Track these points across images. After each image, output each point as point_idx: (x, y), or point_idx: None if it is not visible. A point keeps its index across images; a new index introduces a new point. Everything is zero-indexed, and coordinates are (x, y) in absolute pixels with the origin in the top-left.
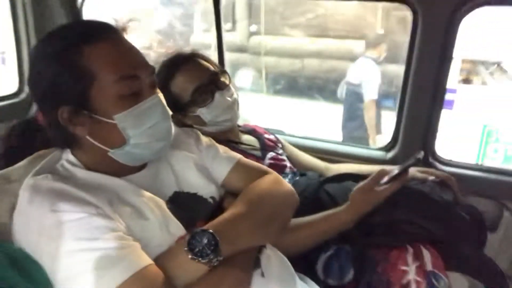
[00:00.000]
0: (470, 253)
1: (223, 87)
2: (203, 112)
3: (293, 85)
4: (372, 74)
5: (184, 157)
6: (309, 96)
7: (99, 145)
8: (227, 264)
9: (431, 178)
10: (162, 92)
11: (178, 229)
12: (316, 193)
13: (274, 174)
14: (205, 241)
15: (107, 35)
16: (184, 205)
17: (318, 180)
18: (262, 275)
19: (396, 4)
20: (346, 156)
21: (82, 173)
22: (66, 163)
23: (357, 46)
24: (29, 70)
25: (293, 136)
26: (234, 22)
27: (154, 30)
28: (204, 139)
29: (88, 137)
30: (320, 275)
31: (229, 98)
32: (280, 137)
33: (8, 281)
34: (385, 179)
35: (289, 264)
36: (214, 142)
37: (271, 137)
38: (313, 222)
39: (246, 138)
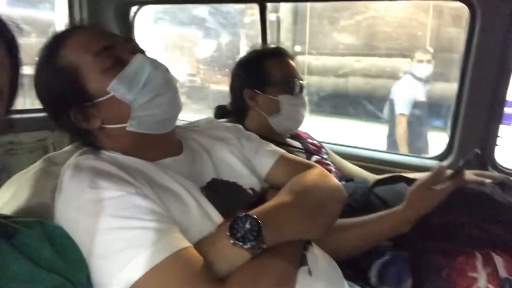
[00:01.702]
0: None
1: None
2: (282, 99)
3: (337, 104)
4: (407, 88)
5: (225, 147)
6: (354, 115)
7: (115, 126)
8: (271, 253)
9: (488, 181)
10: (253, 65)
11: (217, 216)
12: (366, 196)
13: (320, 168)
14: (248, 226)
15: (74, 31)
16: (222, 192)
17: (367, 184)
18: (309, 273)
19: (447, 22)
20: (395, 165)
21: (121, 158)
22: (107, 151)
23: (405, 64)
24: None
25: (338, 144)
26: (279, 44)
27: (200, 58)
28: (247, 133)
29: (103, 126)
30: (374, 283)
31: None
32: (324, 145)
33: (45, 260)
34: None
35: (337, 266)
36: (257, 136)
37: (314, 142)
38: (365, 222)
39: (290, 141)
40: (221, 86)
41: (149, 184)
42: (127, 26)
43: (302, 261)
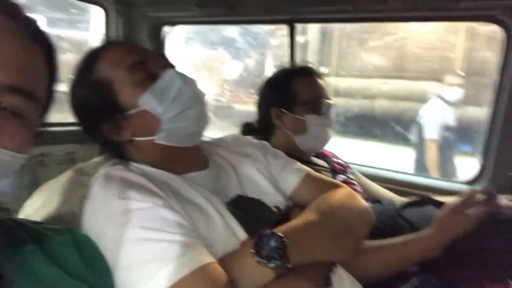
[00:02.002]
0: None
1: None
2: (309, 119)
3: (364, 126)
4: (436, 112)
5: (251, 163)
6: (380, 137)
7: (144, 139)
8: (295, 273)
9: None
10: (281, 84)
11: (241, 233)
12: (393, 219)
13: (347, 188)
14: (273, 244)
15: (108, 47)
16: (246, 209)
17: (395, 207)
18: None
19: (479, 44)
20: (424, 189)
21: (149, 170)
22: (135, 163)
23: (434, 87)
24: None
25: (364, 165)
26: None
27: (226, 78)
28: (273, 150)
29: (133, 138)
30: None
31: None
32: (350, 165)
33: (72, 267)
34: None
35: None
36: (283, 153)
37: (340, 161)
38: (392, 245)
39: (315, 160)
40: (246, 106)
41: (176, 197)
42: (159, 45)
43: (327, 282)
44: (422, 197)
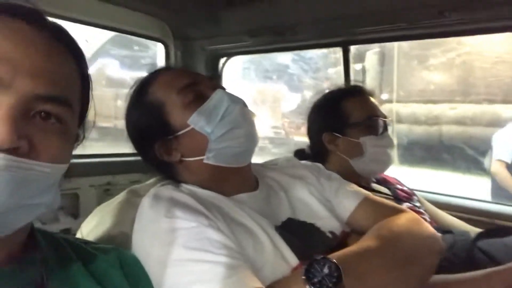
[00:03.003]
0: None
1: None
2: (365, 141)
3: (430, 154)
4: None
5: (303, 186)
6: (449, 166)
7: (193, 159)
8: None
9: None
10: (330, 107)
11: (292, 258)
12: (468, 250)
13: (412, 213)
14: (326, 271)
15: (160, 72)
16: (298, 233)
17: (469, 237)
18: None
19: None
20: (501, 218)
21: (199, 191)
22: (185, 184)
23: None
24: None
25: (432, 192)
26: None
27: (284, 111)
28: (327, 172)
29: (183, 158)
30: None
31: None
32: (416, 192)
33: (115, 286)
34: None
35: None
36: (338, 176)
37: (405, 188)
38: (468, 280)
39: (376, 186)
40: (303, 137)
41: (224, 218)
42: (216, 77)
43: None
44: (501, 226)
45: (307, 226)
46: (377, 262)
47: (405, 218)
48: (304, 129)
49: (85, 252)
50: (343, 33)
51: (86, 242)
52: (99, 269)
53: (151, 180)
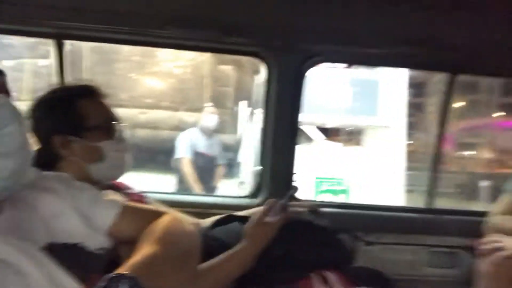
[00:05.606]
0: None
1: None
2: (106, 146)
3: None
4: (191, 136)
5: (55, 201)
6: (145, 168)
7: None
8: None
9: (301, 209)
10: (62, 107)
11: (73, 284)
12: (203, 241)
13: (171, 214)
14: (126, 286)
15: None
16: (63, 260)
17: (201, 228)
18: None
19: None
20: (214, 207)
21: None
22: None
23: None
24: None
25: (160, 192)
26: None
27: None
28: (77, 183)
29: None
30: None
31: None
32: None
33: None
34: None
35: None
36: (89, 185)
37: (134, 191)
38: (217, 264)
39: (110, 192)
40: None
41: None
42: None
43: None
44: (226, 216)
45: (70, 248)
46: (168, 265)
47: (170, 219)
48: None
49: None
50: (55, 25)
51: None
52: None
53: None
